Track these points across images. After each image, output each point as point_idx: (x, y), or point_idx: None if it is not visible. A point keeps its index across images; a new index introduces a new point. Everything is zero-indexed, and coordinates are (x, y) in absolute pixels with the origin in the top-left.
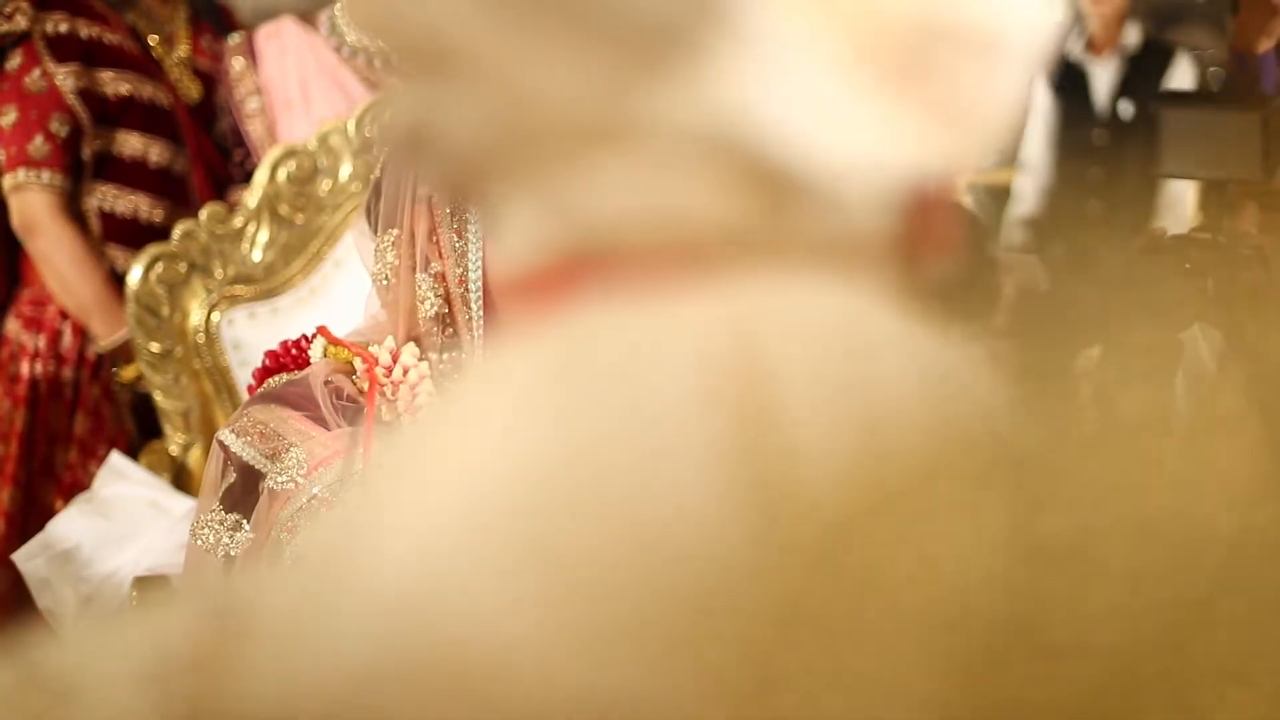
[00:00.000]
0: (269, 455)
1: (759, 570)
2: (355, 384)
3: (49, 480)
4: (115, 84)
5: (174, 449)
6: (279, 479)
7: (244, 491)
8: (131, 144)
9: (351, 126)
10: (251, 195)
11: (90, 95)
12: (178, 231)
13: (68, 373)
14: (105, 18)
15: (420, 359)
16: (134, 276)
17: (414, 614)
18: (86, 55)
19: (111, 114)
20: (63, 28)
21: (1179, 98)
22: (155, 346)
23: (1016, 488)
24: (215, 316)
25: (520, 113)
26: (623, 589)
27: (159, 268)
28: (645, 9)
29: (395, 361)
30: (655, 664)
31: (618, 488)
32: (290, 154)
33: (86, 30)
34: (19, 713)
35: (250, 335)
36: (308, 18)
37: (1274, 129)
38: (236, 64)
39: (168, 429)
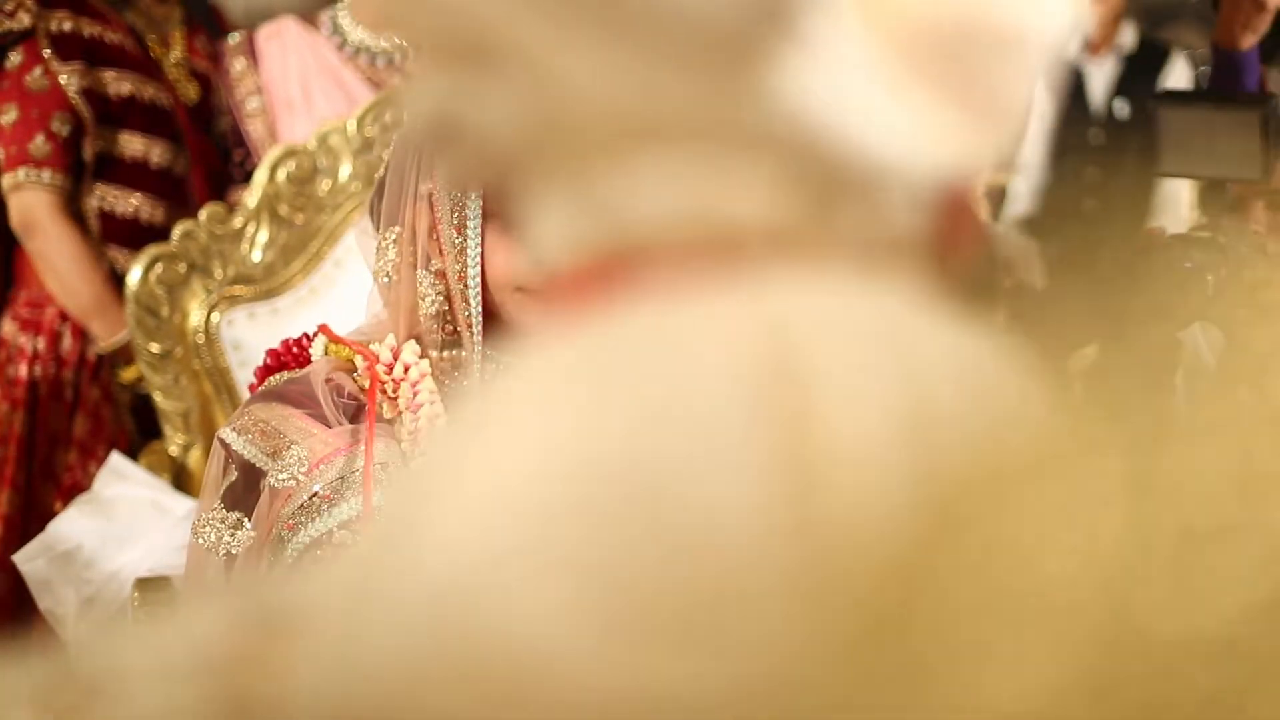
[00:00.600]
0: (270, 453)
1: (799, 569)
2: (356, 382)
3: (49, 482)
4: (118, 84)
5: (174, 450)
6: (280, 476)
7: (245, 489)
8: (134, 145)
9: (351, 126)
10: (251, 195)
11: (93, 95)
12: (177, 232)
13: (68, 374)
14: (106, 17)
15: (421, 356)
16: (133, 277)
17: (462, 611)
18: (89, 54)
19: (114, 114)
20: (66, 26)
21: (1178, 97)
22: (155, 347)
23: (1112, 480)
24: (215, 317)
25: (561, 107)
26: (665, 589)
27: (159, 268)
28: (696, 6)
29: (396, 359)
30: (697, 665)
31: (659, 487)
32: (290, 154)
33: (89, 29)
34: (55, 711)
35: (250, 336)
36: (309, 17)
37: (1273, 127)
38: (237, 64)
39: (167, 430)
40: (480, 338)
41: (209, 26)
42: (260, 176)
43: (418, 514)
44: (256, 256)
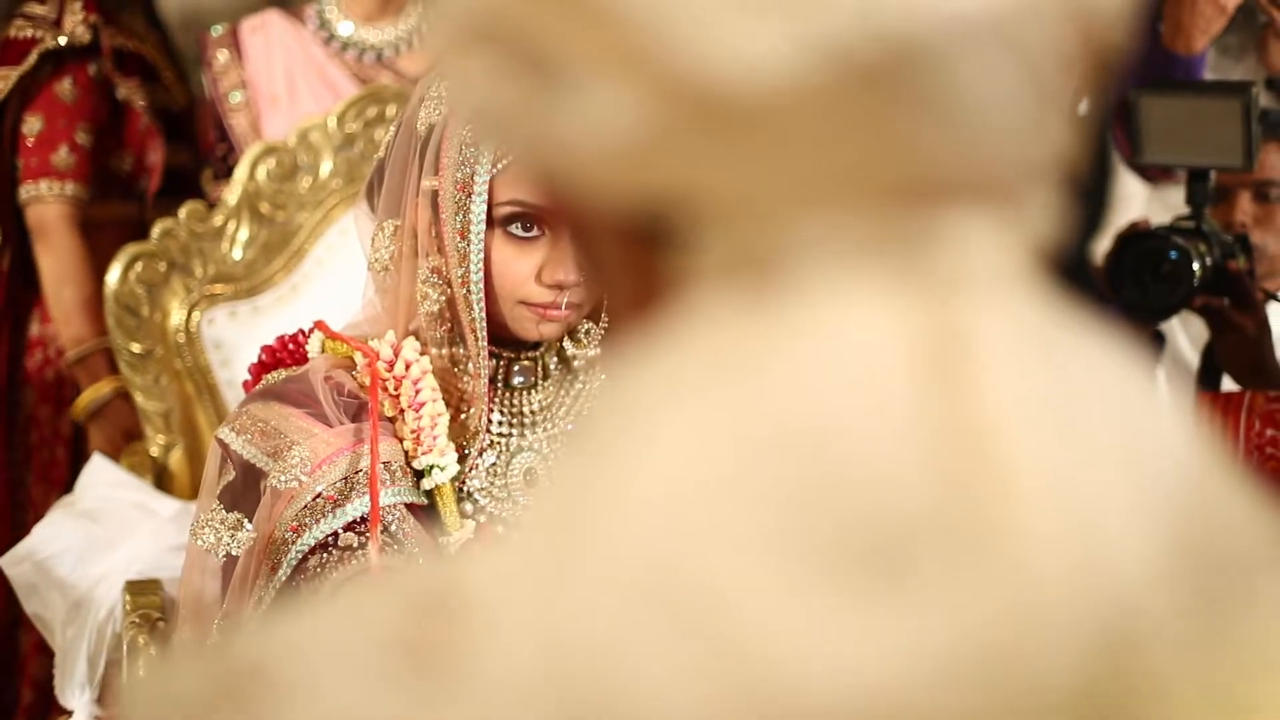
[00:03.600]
0: (270, 453)
1: (968, 528)
2: (356, 379)
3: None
4: (166, 97)
5: (155, 450)
6: (282, 478)
7: (244, 490)
8: (183, 157)
9: (332, 123)
10: (231, 192)
11: (154, 110)
12: (157, 230)
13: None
14: (136, 32)
15: (421, 353)
16: (112, 276)
17: (667, 585)
18: (144, 71)
19: (169, 127)
20: (118, 41)
21: (1159, 87)
22: (135, 347)
23: None
24: (196, 316)
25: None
26: (849, 551)
27: (138, 267)
28: None
29: (397, 356)
30: (892, 620)
31: (830, 453)
32: (270, 151)
33: (134, 45)
34: (219, 709)
35: (231, 334)
36: (294, 11)
37: (1255, 116)
38: (221, 56)
39: (148, 430)
40: (485, 342)
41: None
42: (240, 173)
43: (593, 501)
44: (237, 254)
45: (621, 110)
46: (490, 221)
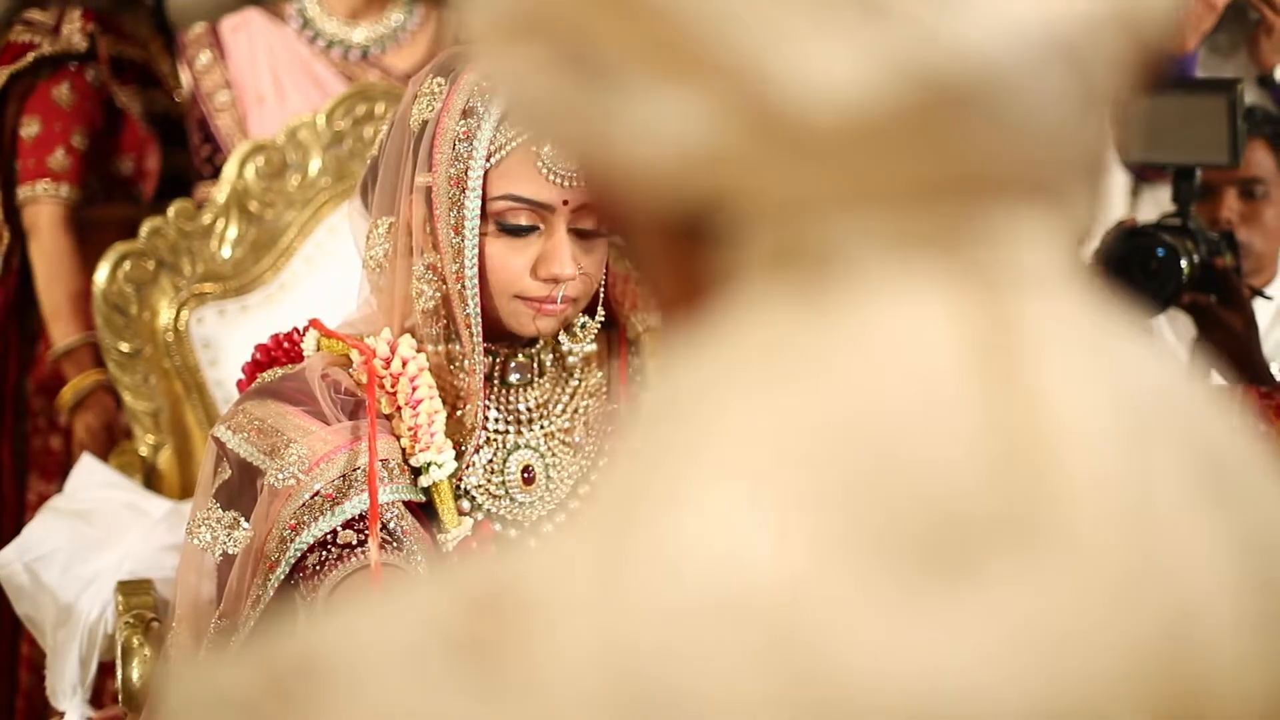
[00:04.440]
0: (267, 452)
1: (1028, 514)
2: (353, 377)
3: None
4: (163, 102)
5: (144, 450)
6: (279, 476)
7: (241, 488)
8: (179, 159)
9: (321, 121)
10: (220, 191)
11: (152, 116)
12: (145, 229)
13: None
14: (136, 39)
15: (418, 350)
16: (101, 275)
17: (734, 580)
18: (140, 77)
19: (165, 132)
20: (115, 49)
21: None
22: (124, 346)
23: None
24: (184, 315)
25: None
26: (915, 538)
27: (126, 266)
28: None
29: (393, 353)
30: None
31: (891, 443)
32: (258, 149)
33: (131, 52)
34: (268, 709)
35: (220, 333)
36: (274, 10)
37: (1241, 113)
38: (203, 56)
39: (137, 430)
40: (480, 338)
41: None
42: (229, 172)
43: (651, 496)
44: (226, 253)
45: (679, 116)
46: (484, 216)
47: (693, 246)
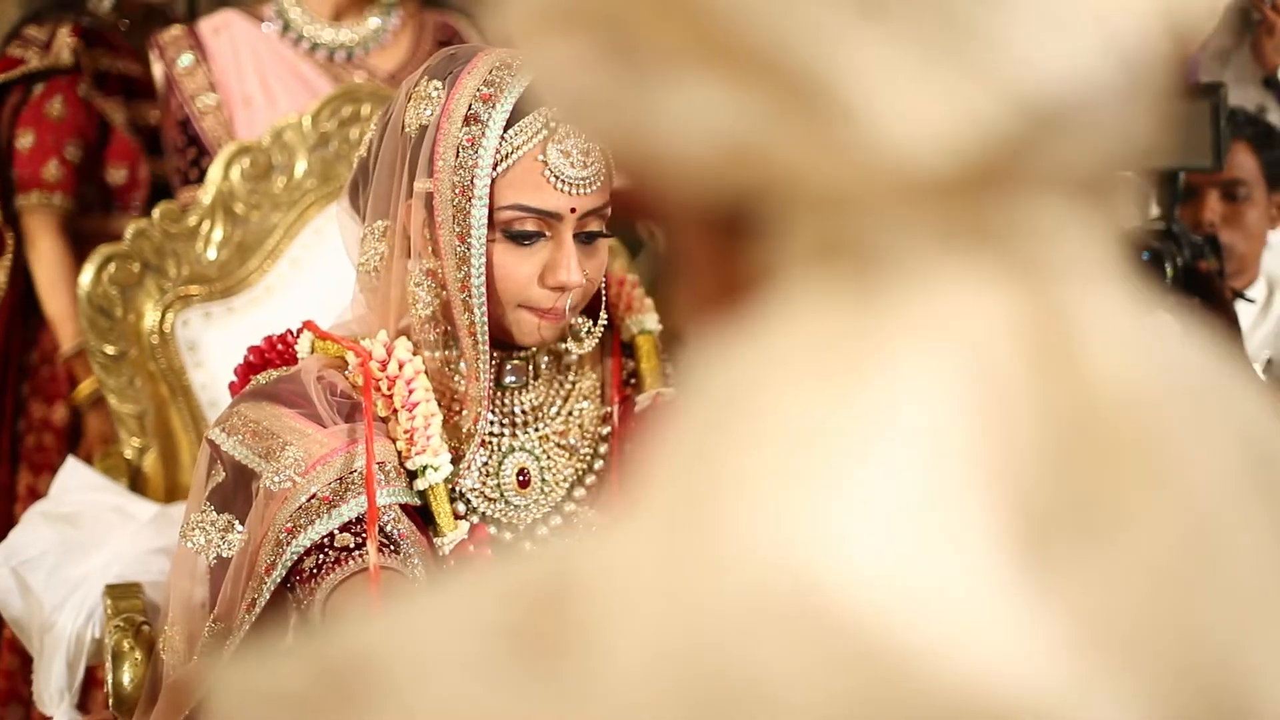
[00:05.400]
0: (262, 454)
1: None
2: (349, 379)
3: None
4: (152, 113)
5: (129, 453)
6: (275, 479)
7: (236, 491)
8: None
9: (307, 122)
10: (205, 193)
11: (137, 127)
12: (130, 231)
13: None
14: (132, 53)
15: (414, 353)
16: (85, 278)
17: (791, 577)
18: (127, 89)
19: (151, 143)
20: (104, 63)
21: None
22: (109, 349)
23: None
24: (170, 317)
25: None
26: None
27: (111, 268)
28: None
29: (389, 356)
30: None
31: (961, 459)
32: (244, 151)
33: (122, 66)
34: (321, 706)
35: (205, 336)
36: (252, 12)
37: (1224, 117)
38: (184, 59)
39: (122, 433)
40: (487, 346)
41: None
42: (214, 173)
43: (709, 489)
44: (211, 255)
45: (722, 107)
46: (490, 224)
47: (733, 241)
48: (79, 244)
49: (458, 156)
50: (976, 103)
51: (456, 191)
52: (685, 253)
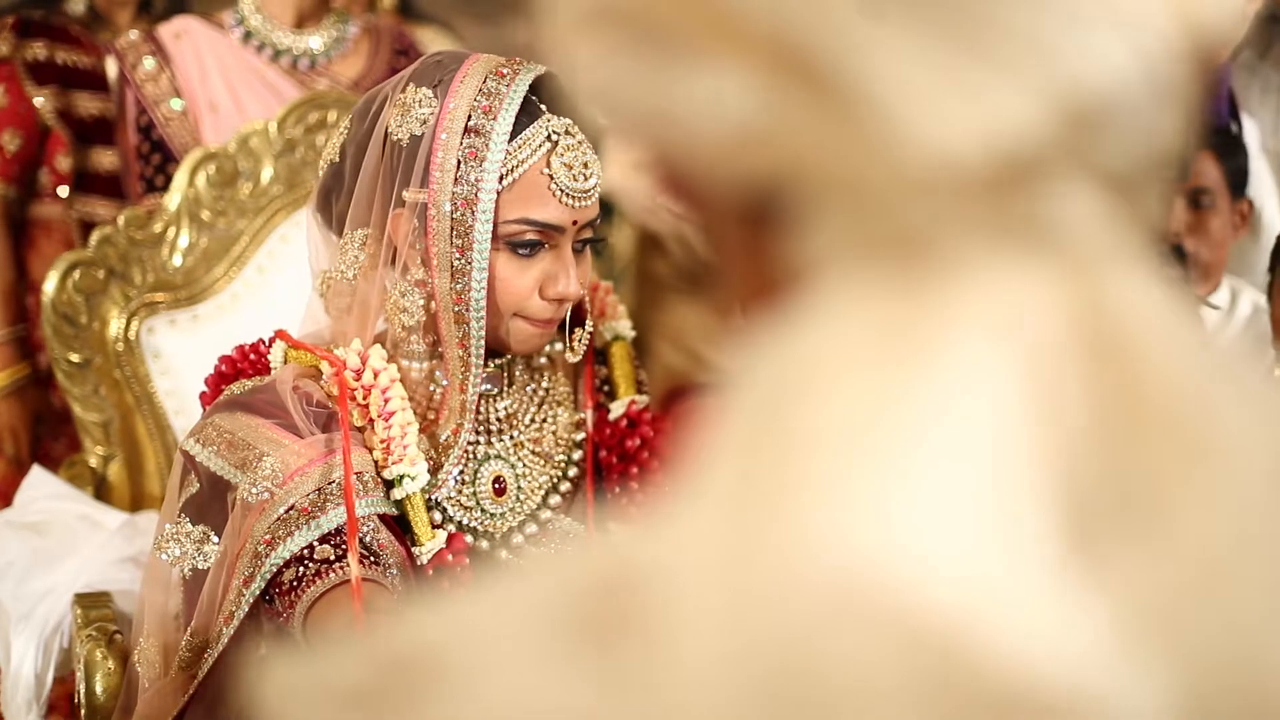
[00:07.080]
0: (238, 465)
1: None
2: (324, 389)
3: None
4: (89, 104)
5: (94, 461)
6: (252, 490)
7: (211, 502)
8: (107, 159)
9: (273, 128)
10: (171, 199)
11: (68, 116)
12: (95, 237)
13: None
14: (81, 42)
15: (389, 361)
16: (50, 285)
17: (858, 567)
18: (63, 79)
19: (88, 132)
20: (41, 54)
21: None
22: (74, 356)
23: None
24: (135, 324)
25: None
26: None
27: (76, 275)
28: None
29: (364, 365)
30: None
31: (1020, 448)
32: (210, 157)
33: (63, 56)
34: (383, 700)
35: (171, 343)
36: (212, 19)
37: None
38: (146, 63)
39: (87, 441)
40: (482, 358)
41: None
42: (180, 180)
43: (771, 478)
44: (177, 261)
45: (747, 92)
46: (493, 237)
47: (768, 235)
48: (16, 230)
49: (459, 168)
50: (1012, 101)
51: (458, 204)
52: (722, 249)
